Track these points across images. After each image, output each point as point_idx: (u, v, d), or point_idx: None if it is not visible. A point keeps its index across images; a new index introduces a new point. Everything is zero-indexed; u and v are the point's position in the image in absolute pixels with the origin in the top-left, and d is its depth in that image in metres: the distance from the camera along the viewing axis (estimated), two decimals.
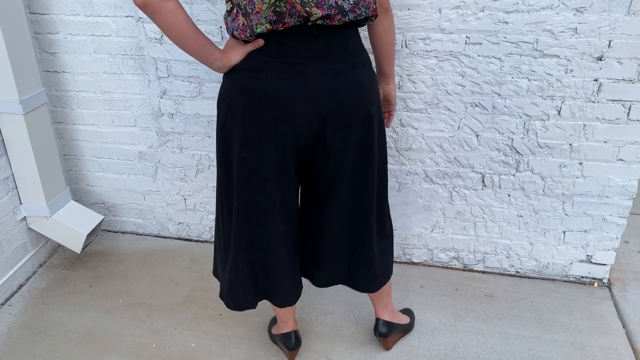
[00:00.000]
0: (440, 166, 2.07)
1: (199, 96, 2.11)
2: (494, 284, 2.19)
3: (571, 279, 2.21)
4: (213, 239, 2.43)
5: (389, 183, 1.80)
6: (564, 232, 2.11)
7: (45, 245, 2.34)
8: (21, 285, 2.18)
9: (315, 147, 1.43)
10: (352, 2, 1.29)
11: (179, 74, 2.08)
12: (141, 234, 2.52)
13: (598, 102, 1.85)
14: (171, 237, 2.50)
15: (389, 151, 1.97)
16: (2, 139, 2.03)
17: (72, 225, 2.19)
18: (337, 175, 1.48)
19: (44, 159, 2.10)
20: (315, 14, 1.26)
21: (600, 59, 1.78)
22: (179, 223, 2.45)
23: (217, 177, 1.54)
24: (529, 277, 2.23)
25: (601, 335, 1.92)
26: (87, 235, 2.20)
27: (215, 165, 1.54)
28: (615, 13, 1.70)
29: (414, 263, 2.31)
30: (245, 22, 1.29)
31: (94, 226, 2.26)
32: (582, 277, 2.19)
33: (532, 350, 1.85)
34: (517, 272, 2.24)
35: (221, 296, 1.67)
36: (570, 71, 1.82)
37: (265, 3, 1.24)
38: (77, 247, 2.23)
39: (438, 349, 1.86)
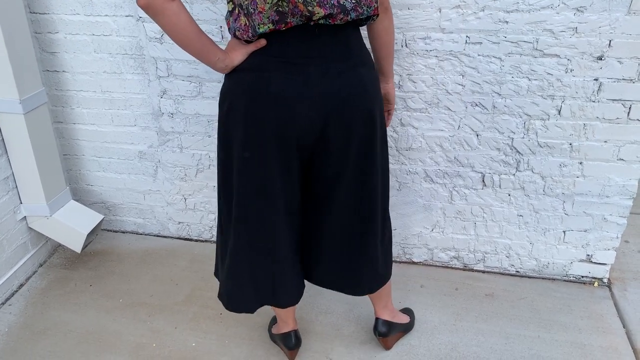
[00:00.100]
0: (441, 166, 2.07)
1: (199, 96, 2.11)
2: (494, 283, 2.19)
3: (571, 278, 2.21)
4: (213, 239, 2.45)
5: (389, 183, 1.80)
6: (564, 231, 2.11)
7: (45, 244, 2.34)
8: (21, 285, 2.18)
9: (317, 147, 1.43)
10: (354, 1, 1.29)
11: (179, 73, 2.08)
12: (141, 234, 2.52)
13: (598, 101, 1.85)
14: (171, 237, 2.50)
15: (389, 151, 1.97)
16: (2, 139, 2.03)
17: (72, 225, 2.19)
18: (339, 175, 1.48)
19: (44, 159, 2.10)
20: (318, 13, 1.26)
21: (601, 59, 1.78)
22: (179, 222, 2.45)
23: (217, 178, 1.54)
24: (529, 277, 2.23)
25: (601, 335, 1.92)
26: (87, 234, 2.21)
27: (216, 165, 1.54)
28: (616, 12, 1.70)
29: (414, 262, 2.31)
30: (247, 22, 1.29)
31: (94, 226, 2.26)
32: (582, 276, 2.20)
33: (532, 350, 1.86)
34: (517, 271, 2.24)
35: (220, 297, 1.66)
36: (571, 71, 1.82)
37: (268, 3, 1.24)
38: (77, 247, 2.23)
39: (438, 348, 1.87)
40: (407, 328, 1.90)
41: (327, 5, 1.26)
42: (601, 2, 1.69)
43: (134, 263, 2.32)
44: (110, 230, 2.54)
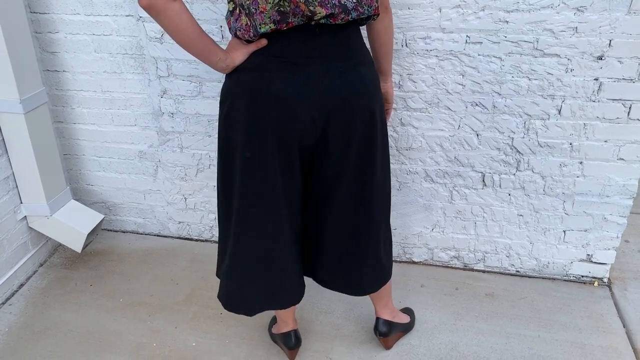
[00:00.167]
0: (441, 165, 2.07)
1: (199, 95, 2.11)
2: (494, 283, 2.19)
3: (571, 278, 2.21)
4: (213, 238, 2.45)
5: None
6: (564, 231, 2.11)
7: (45, 244, 2.34)
8: (22, 285, 2.18)
9: (318, 146, 1.43)
10: (355, 1, 1.29)
11: (180, 73, 2.08)
12: (141, 233, 2.52)
13: (598, 101, 1.85)
14: (171, 237, 2.50)
15: (389, 150, 1.97)
16: (3, 138, 2.03)
17: (73, 225, 2.19)
18: (339, 175, 1.48)
19: (44, 158, 2.10)
20: (320, 13, 1.26)
21: (601, 58, 1.78)
22: (180, 222, 2.46)
23: (217, 179, 1.54)
24: (529, 276, 2.23)
25: (601, 335, 1.92)
26: (88, 234, 2.21)
27: (216, 165, 1.54)
28: (616, 12, 1.70)
29: (414, 262, 2.32)
30: (248, 22, 1.29)
31: (95, 225, 2.26)
32: (583, 276, 2.20)
33: (533, 350, 1.86)
34: (518, 271, 2.24)
35: (219, 296, 1.66)
36: (571, 70, 1.82)
37: (270, 3, 1.24)
38: (77, 247, 2.23)
39: (438, 348, 1.87)
40: (407, 328, 1.90)
41: (329, 5, 1.26)
42: (601, 2, 1.69)
43: (134, 263, 2.32)
44: (111, 230, 2.54)
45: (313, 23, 1.29)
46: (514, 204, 2.10)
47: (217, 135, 1.51)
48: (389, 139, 2.00)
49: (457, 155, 2.04)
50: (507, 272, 2.25)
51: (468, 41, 1.83)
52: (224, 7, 1.91)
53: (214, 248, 2.38)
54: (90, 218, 2.28)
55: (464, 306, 2.06)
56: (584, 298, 2.10)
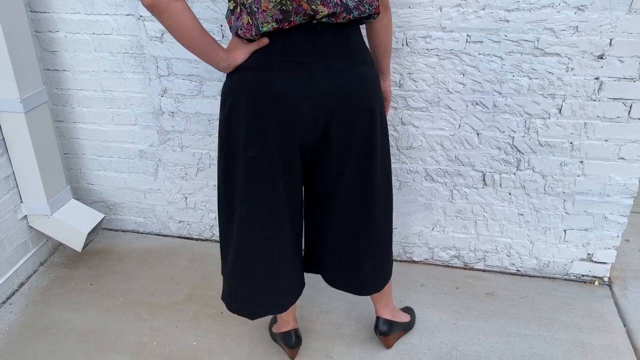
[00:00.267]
0: (441, 165, 2.07)
1: (199, 94, 2.11)
2: (494, 282, 2.19)
3: (572, 277, 2.21)
4: (214, 238, 2.45)
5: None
6: (564, 230, 2.11)
7: (46, 243, 2.34)
8: (22, 284, 2.18)
9: (319, 145, 1.43)
10: (356, 0, 1.29)
11: (180, 72, 2.08)
12: (142, 233, 2.52)
13: (599, 100, 1.84)
14: (172, 236, 2.50)
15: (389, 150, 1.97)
16: (3, 138, 2.03)
17: (73, 224, 2.19)
18: (340, 175, 1.48)
19: (44, 158, 2.10)
20: (322, 12, 1.26)
21: (602, 58, 1.78)
22: (180, 221, 2.46)
23: (218, 179, 1.53)
24: (530, 276, 2.23)
25: (602, 334, 1.92)
26: (88, 233, 2.21)
27: (216, 165, 1.53)
28: (617, 11, 1.70)
29: (414, 261, 2.32)
30: (250, 20, 1.29)
31: (95, 225, 2.26)
32: (583, 275, 2.20)
33: (533, 349, 1.86)
34: (518, 270, 2.24)
35: (223, 298, 1.66)
36: (571, 69, 1.81)
37: (272, 2, 1.24)
38: (77, 246, 2.23)
39: (439, 347, 1.87)
40: (407, 327, 1.90)
41: (331, 4, 1.26)
42: (602, 1, 1.69)
43: (134, 262, 2.32)
44: (111, 229, 2.54)
45: (315, 22, 1.29)
46: (514, 203, 2.09)
47: (217, 135, 1.51)
48: (389, 138, 2.01)
49: (458, 155, 2.04)
50: (508, 271, 2.25)
51: (469, 40, 1.83)
52: (224, 6, 1.91)
53: (215, 247, 2.39)
54: (91, 217, 2.28)
55: (465, 305, 2.06)
56: (584, 297, 2.10)
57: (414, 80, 1.93)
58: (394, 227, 2.06)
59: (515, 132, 1.95)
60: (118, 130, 2.27)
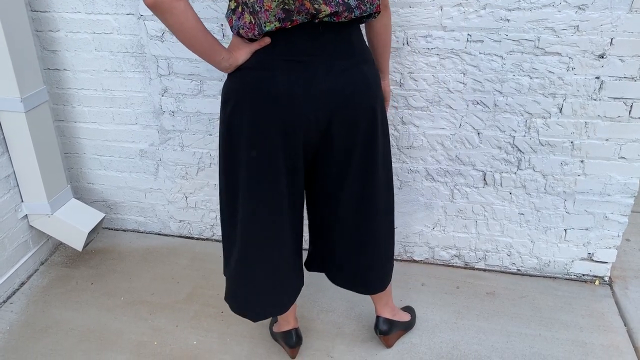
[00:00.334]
0: (442, 164, 2.07)
1: (200, 94, 2.11)
2: (495, 281, 2.19)
3: (572, 276, 2.21)
4: (214, 237, 2.45)
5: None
6: (565, 230, 2.11)
7: (46, 243, 2.34)
8: (23, 283, 2.19)
9: (321, 144, 1.43)
10: None
11: (180, 71, 2.08)
12: (142, 232, 2.52)
13: (600, 99, 1.84)
14: (172, 235, 2.50)
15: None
16: (4, 137, 2.03)
17: (74, 223, 2.19)
18: (343, 173, 1.49)
19: (45, 157, 2.10)
20: (324, 11, 1.26)
21: (602, 57, 1.78)
22: (180, 221, 2.46)
23: (220, 181, 1.53)
24: (530, 275, 2.23)
25: (602, 333, 1.92)
26: (89, 233, 2.21)
27: (217, 164, 1.53)
28: (618, 10, 1.70)
29: (415, 261, 2.32)
30: (252, 20, 1.28)
31: (95, 224, 2.26)
32: (584, 275, 2.19)
33: (534, 348, 1.86)
34: (519, 270, 2.24)
35: (226, 299, 1.66)
36: (572, 69, 1.81)
37: (275, 1, 1.24)
38: (78, 245, 2.23)
39: (439, 346, 1.87)
40: (408, 326, 1.90)
41: (333, 3, 1.26)
42: (603, 0, 1.69)
43: (135, 261, 2.32)
44: (112, 229, 2.54)
45: (317, 21, 1.29)
46: (515, 202, 2.09)
47: (217, 135, 1.50)
48: (390, 137, 2.01)
49: (458, 154, 2.04)
50: (508, 270, 2.25)
51: (469, 39, 1.83)
52: (224, 5, 1.90)
53: (215, 247, 2.40)
54: (91, 217, 2.28)
55: (465, 305, 2.06)
56: (585, 297, 2.10)
57: (415, 80, 1.93)
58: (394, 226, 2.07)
59: (515, 131, 1.95)
60: (118, 129, 2.27)
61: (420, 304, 2.05)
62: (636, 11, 1.69)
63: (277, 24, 1.27)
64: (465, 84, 1.90)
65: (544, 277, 2.22)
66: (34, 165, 2.07)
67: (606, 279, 2.18)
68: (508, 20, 1.77)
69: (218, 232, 2.43)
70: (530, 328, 1.94)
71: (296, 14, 1.26)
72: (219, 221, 2.39)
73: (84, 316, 2.01)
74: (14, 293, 2.13)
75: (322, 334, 1.92)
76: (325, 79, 1.33)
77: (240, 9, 1.30)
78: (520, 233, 2.16)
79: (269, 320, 1.96)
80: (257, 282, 1.57)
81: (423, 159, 2.08)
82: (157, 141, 2.26)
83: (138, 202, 2.44)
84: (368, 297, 1.86)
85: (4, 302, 2.08)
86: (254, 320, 1.64)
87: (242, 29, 1.31)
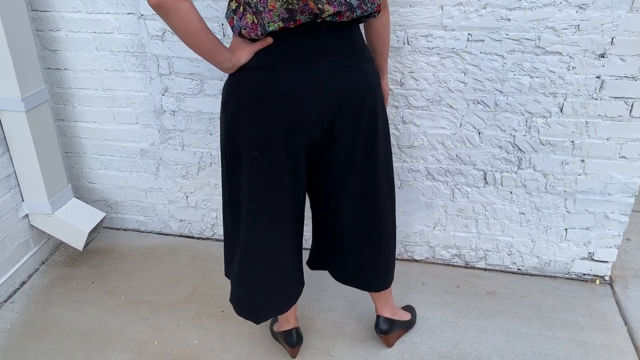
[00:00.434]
0: (442, 163, 2.07)
1: (200, 93, 2.11)
2: (495, 281, 2.19)
3: (573, 276, 2.21)
4: (215, 236, 2.45)
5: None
6: (565, 229, 2.11)
7: (47, 242, 2.34)
8: (23, 283, 2.19)
9: (323, 142, 1.44)
10: None
11: (181, 71, 2.08)
12: (143, 232, 2.52)
13: (600, 99, 1.84)
14: (173, 235, 2.50)
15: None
16: (4, 137, 2.03)
17: (74, 223, 2.20)
18: (346, 171, 1.49)
19: (45, 157, 2.11)
20: (327, 10, 1.26)
21: (603, 56, 1.78)
22: (181, 220, 2.46)
23: (222, 182, 1.53)
24: (531, 275, 2.23)
25: (603, 333, 1.92)
26: (89, 232, 2.21)
27: (219, 163, 1.53)
28: (618, 10, 1.69)
29: (415, 260, 2.32)
30: (255, 20, 1.28)
31: (96, 223, 2.26)
32: (584, 274, 2.19)
33: (534, 348, 1.86)
34: (519, 269, 2.24)
35: (231, 300, 1.66)
36: (573, 68, 1.81)
37: (279, 1, 1.24)
38: (79, 245, 2.23)
39: (440, 346, 1.87)
40: (408, 325, 1.90)
41: (336, 3, 1.26)
42: (603, 0, 1.69)
43: (135, 261, 2.32)
44: (112, 228, 2.54)
45: (319, 21, 1.29)
46: (515, 202, 2.09)
47: (218, 134, 1.50)
48: (390, 137, 2.01)
49: (459, 153, 2.04)
50: (509, 270, 2.25)
51: (470, 39, 1.83)
52: (225, 4, 1.90)
53: (216, 246, 2.40)
54: (92, 216, 2.28)
55: (466, 304, 2.06)
56: (585, 296, 2.10)
57: (415, 79, 1.93)
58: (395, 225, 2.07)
59: (516, 130, 1.95)
60: (119, 129, 2.27)
61: (421, 303, 2.05)
62: (637, 10, 1.69)
63: (281, 24, 1.27)
64: (466, 84, 1.90)
65: (544, 276, 2.22)
66: (35, 164, 2.07)
67: (607, 278, 2.18)
68: (509, 19, 1.77)
69: (219, 231, 2.44)
70: (531, 327, 1.94)
71: (299, 13, 1.26)
72: (219, 221, 2.40)
73: (85, 315, 2.01)
74: (14, 292, 2.13)
75: (323, 333, 1.92)
76: (328, 78, 1.33)
77: (241, 9, 1.30)
78: (521, 232, 2.16)
79: (269, 319, 1.96)
80: (260, 284, 1.57)
81: (424, 159, 2.08)
82: (157, 140, 2.26)
83: (139, 201, 2.45)
84: (368, 296, 1.86)
85: (5, 301, 2.09)
86: (257, 322, 1.65)
87: (244, 29, 1.31)
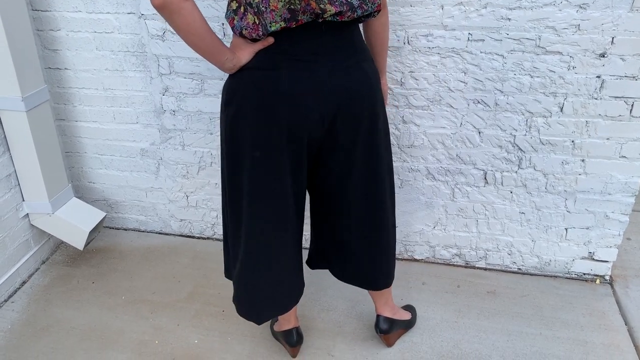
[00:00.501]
0: (443, 163, 2.07)
1: (201, 93, 2.11)
2: (496, 280, 2.19)
3: (573, 275, 2.21)
4: (215, 236, 2.45)
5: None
6: (566, 229, 2.11)
7: (47, 242, 2.34)
8: (24, 282, 2.19)
9: (324, 143, 1.44)
10: None
11: (181, 70, 2.08)
12: (143, 231, 2.53)
13: (601, 98, 1.84)
14: (173, 234, 2.50)
15: (391, 148, 1.97)
16: (5, 136, 2.03)
17: (75, 222, 2.20)
18: (348, 170, 1.50)
19: (46, 156, 2.11)
20: (329, 10, 1.26)
21: (603, 56, 1.78)
22: (181, 220, 2.46)
23: (223, 182, 1.53)
24: (531, 274, 2.23)
25: (603, 332, 1.92)
26: (90, 232, 2.21)
27: (219, 163, 1.53)
28: (619, 9, 1.69)
29: (415, 260, 2.32)
30: (257, 20, 1.28)
31: (97, 223, 2.26)
32: (584, 274, 2.20)
33: (534, 347, 1.86)
34: (519, 269, 2.24)
35: (234, 300, 1.67)
36: (573, 68, 1.81)
37: (281, 1, 1.24)
38: (79, 244, 2.23)
39: (440, 345, 1.87)
40: (408, 325, 1.90)
41: (337, 3, 1.27)
42: None
43: (136, 260, 2.32)
44: (113, 228, 2.54)
45: (320, 20, 1.29)
46: (515, 201, 2.09)
47: (219, 134, 1.50)
48: (390, 136, 2.01)
49: (459, 153, 2.04)
50: (509, 269, 2.25)
51: (470, 39, 1.83)
52: (225, 4, 1.90)
53: (216, 246, 2.40)
54: (92, 216, 2.28)
55: (466, 304, 2.06)
56: (585, 296, 2.10)
57: (416, 79, 1.93)
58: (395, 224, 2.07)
59: (516, 130, 1.95)
60: (119, 128, 2.27)
61: (421, 302, 2.05)
62: (637, 10, 1.68)
63: (283, 24, 1.27)
64: (466, 83, 1.90)
65: (544, 276, 2.22)
66: (35, 164, 2.07)
67: (607, 278, 2.18)
68: (509, 19, 1.77)
69: (219, 231, 2.44)
70: (531, 327, 1.94)
71: (301, 13, 1.26)
72: (220, 220, 2.40)
73: (85, 315, 2.01)
74: (15, 292, 2.14)
75: (323, 332, 1.92)
76: (328, 78, 1.34)
77: (242, 9, 1.30)
78: (521, 232, 2.16)
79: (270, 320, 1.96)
80: (261, 284, 1.57)
81: (424, 158, 2.08)
82: (158, 140, 2.26)
83: (139, 201, 2.45)
84: (369, 296, 1.86)
85: (5, 301, 2.09)
86: (258, 323, 1.65)
87: (246, 29, 1.30)
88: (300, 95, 1.33)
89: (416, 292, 2.12)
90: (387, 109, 1.95)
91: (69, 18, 2.06)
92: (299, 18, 1.27)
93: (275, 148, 1.37)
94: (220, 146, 1.50)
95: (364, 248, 1.63)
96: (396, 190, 2.13)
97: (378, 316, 1.81)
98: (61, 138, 2.34)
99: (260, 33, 1.29)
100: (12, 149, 2.06)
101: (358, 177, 1.51)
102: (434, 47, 1.86)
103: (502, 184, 2.07)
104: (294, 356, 1.81)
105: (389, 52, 1.88)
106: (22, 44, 1.91)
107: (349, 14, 1.29)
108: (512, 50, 1.82)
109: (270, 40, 1.31)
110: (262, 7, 1.25)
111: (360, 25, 1.50)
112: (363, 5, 1.31)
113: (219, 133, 2.12)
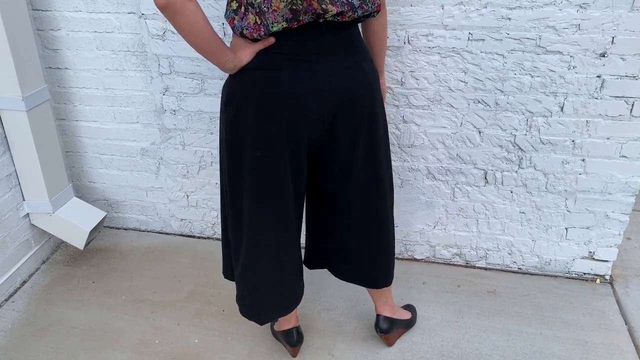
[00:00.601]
0: (443, 163, 2.07)
1: (201, 93, 2.11)
2: (496, 280, 2.19)
3: (573, 275, 2.21)
4: (215, 236, 2.45)
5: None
6: (566, 228, 2.11)
7: (48, 241, 2.34)
8: (24, 282, 2.19)
9: (324, 143, 1.44)
10: None
11: (182, 70, 2.08)
12: (144, 231, 2.53)
13: (601, 98, 1.84)
14: (174, 234, 2.50)
15: (391, 147, 1.97)
16: (5, 136, 2.03)
17: (75, 222, 2.20)
18: (348, 170, 1.50)
19: (46, 156, 2.11)
20: (331, 11, 1.27)
21: (604, 56, 1.77)
22: (182, 220, 2.46)
23: (221, 183, 1.53)
24: (531, 274, 2.23)
25: (603, 332, 1.92)
26: (90, 231, 2.21)
27: (218, 163, 1.53)
28: (619, 9, 1.69)
29: (416, 260, 2.32)
30: (258, 20, 1.28)
31: (97, 223, 2.26)
32: (585, 273, 2.20)
33: (534, 347, 1.86)
34: (520, 268, 2.24)
35: (237, 300, 1.67)
36: (573, 67, 1.81)
37: (283, 1, 1.24)
38: (80, 244, 2.23)
39: (440, 345, 1.87)
40: (408, 324, 1.90)
41: (338, 3, 1.27)
42: None
43: (136, 260, 2.32)
44: (113, 227, 2.54)
45: (321, 21, 1.29)
46: (516, 201, 2.09)
47: (219, 134, 1.50)
48: (390, 136, 2.01)
49: (459, 153, 2.04)
50: (509, 269, 2.25)
51: (470, 38, 1.83)
52: (225, 4, 1.90)
53: (216, 245, 2.40)
54: (93, 215, 2.28)
55: (466, 303, 2.06)
56: (585, 295, 2.10)
57: (416, 78, 1.93)
58: (395, 225, 2.07)
59: (517, 130, 1.95)
60: (120, 128, 2.27)
61: (422, 302, 2.05)
62: (637, 10, 1.68)
63: (285, 24, 1.27)
64: (467, 83, 1.90)
65: (545, 275, 2.22)
66: (36, 164, 2.07)
67: (607, 277, 2.18)
68: (509, 19, 1.77)
69: (219, 230, 2.44)
70: (531, 327, 1.94)
71: (303, 14, 1.26)
72: (220, 220, 2.40)
73: (86, 315, 2.01)
74: (15, 291, 2.14)
75: (323, 332, 1.92)
76: (329, 77, 1.34)
77: (243, 10, 1.30)
78: (521, 232, 2.16)
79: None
80: (261, 284, 1.57)
81: (424, 158, 2.08)
82: (158, 140, 2.26)
83: (139, 200, 2.45)
84: (369, 295, 1.86)
85: (6, 300, 2.09)
86: (260, 323, 1.65)
87: (247, 29, 1.30)
88: (301, 95, 1.33)
89: (416, 292, 2.12)
90: (387, 109, 1.95)
91: (70, 18, 2.06)
92: (301, 18, 1.27)
93: (275, 148, 1.37)
94: (219, 146, 1.50)
95: (364, 248, 1.63)
96: (396, 189, 2.14)
97: (378, 316, 1.81)
98: (61, 138, 2.34)
99: (262, 33, 1.29)
100: (13, 149, 2.06)
101: (358, 177, 1.51)
102: (434, 46, 1.86)
103: (502, 183, 2.07)
104: (294, 356, 1.81)
105: (389, 51, 1.88)
106: (22, 44, 1.91)
107: (349, 14, 1.30)
108: (512, 50, 1.82)
109: (271, 40, 1.31)
110: (264, 7, 1.25)
111: (359, 26, 1.51)
112: (363, 6, 1.31)
113: (219, 134, 2.12)
